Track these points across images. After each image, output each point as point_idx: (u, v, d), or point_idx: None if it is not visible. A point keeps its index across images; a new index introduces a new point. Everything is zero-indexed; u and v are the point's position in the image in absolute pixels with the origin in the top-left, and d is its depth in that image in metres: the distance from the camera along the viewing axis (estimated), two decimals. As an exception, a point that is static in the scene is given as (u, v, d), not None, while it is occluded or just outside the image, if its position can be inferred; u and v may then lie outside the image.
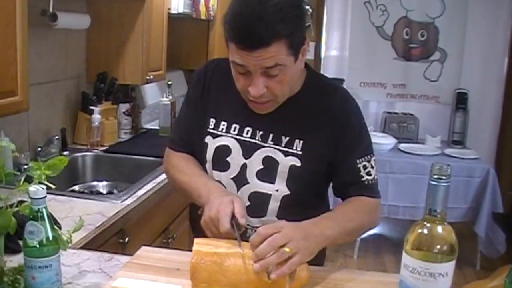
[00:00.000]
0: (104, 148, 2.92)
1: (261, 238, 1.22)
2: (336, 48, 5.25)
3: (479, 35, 4.94)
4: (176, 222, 2.72)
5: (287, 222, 1.30)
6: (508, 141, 5.09)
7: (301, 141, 1.48)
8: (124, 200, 2.09)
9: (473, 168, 4.09)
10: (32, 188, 1.15)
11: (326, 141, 1.49)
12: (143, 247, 1.49)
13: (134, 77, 3.09)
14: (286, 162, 1.48)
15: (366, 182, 1.51)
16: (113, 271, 1.38)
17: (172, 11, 3.40)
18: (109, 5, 2.99)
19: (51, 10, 2.37)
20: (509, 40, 4.94)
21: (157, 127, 3.62)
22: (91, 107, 2.88)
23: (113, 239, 1.97)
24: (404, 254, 0.95)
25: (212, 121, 1.55)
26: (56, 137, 2.60)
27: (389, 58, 5.07)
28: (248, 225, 1.48)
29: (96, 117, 2.87)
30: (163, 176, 2.34)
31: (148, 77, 3.10)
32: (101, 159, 2.81)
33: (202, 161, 1.58)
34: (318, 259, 1.43)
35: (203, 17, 3.85)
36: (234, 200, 1.36)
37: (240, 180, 1.51)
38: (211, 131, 1.55)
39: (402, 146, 4.43)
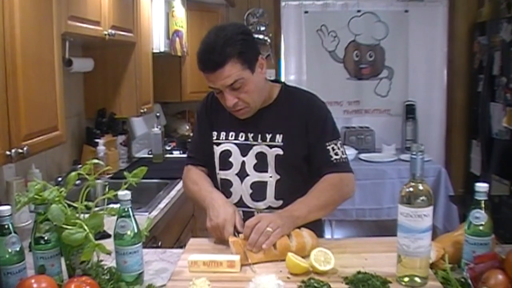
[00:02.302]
0: (110, 175, 3.29)
1: (249, 229, 1.68)
2: (295, 73, 5.66)
3: (420, 52, 5.49)
4: (189, 225, 3.13)
5: (265, 213, 1.78)
6: (454, 143, 5.54)
7: (281, 135, 1.91)
8: (151, 212, 2.49)
9: (426, 169, 4.44)
10: (121, 192, 1.53)
11: (301, 134, 1.91)
12: (192, 239, 1.90)
13: (130, 111, 3.48)
14: (272, 153, 1.91)
15: (334, 161, 1.91)
16: (171, 259, 1.74)
17: (155, 50, 3.83)
18: (104, 49, 3.37)
19: (67, 56, 2.75)
20: (446, 54, 5.46)
21: (147, 155, 4.00)
22: (96, 140, 3.26)
23: (148, 246, 2.35)
24: (399, 206, 1.41)
25: (214, 134, 2.00)
26: (79, 166, 2.96)
27: (342, 78, 5.58)
28: (254, 208, 1.93)
29: (101, 148, 3.24)
30: (174, 191, 2.78)
31: (142, 110, 3.50)
32: (111, 186, 3.17)
33: (212, 167, 2.00)
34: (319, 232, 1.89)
35: (179, 54, 4.29)
36: (236, 211, 1.81)
37: (242, 174, 1.94)
38: (215, 141, 1.99)
39: (362, 155, 4.80)
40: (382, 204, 4.47)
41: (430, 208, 1.40)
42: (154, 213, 2.52)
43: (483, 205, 1.46)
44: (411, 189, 1.41)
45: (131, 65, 3.41)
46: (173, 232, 2.89)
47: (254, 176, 1.93)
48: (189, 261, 1.60)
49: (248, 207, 1.94)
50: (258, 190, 1.93)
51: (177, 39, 4.23)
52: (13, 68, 1.88)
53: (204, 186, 1.96)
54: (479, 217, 1.46)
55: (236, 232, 1.75)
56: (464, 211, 4.45)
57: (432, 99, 5.57)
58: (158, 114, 3.97)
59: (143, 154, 4.09)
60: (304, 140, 1.91)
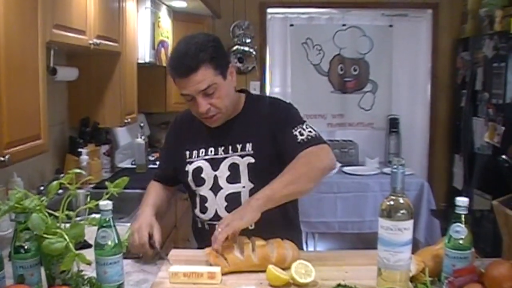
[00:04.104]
0: (92, 185, 3.27)
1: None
2: (279, 85, 5.68)
3: (404, 66, 5.55)
4: (171, 236, 3.12)
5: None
6: (437, 157, 5.59)
7: (251, 143, 1.92)
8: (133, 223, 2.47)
9: (409, 183, 4.54)
10: (102, 202, 1.53)
11: (268, 135, 1.91)
12: (173, 250, 1.89)
13: (114, 121, 3.48)
14: (244, 162, 1.92)
15: (301, 141, 1.85)
16: (152, 270, 1.74)
17: (140, 61, 3.83)
18: (88, 58, 3.37)
19: (51, 64, 2.74)
20: (430, 68, 5.53)
21: (130, 166, 3.99)
22: (79, 149, 3.24)
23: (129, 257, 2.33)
24: (380, 219, 1.41)
25: (187, 153, 2.01)
26: (62, 175, 2.94)
27: (327, 91, 5.62)
28: None
29: (84, 158, 3.23)
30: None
31: (126, 120, 3.49)
32: (93, 195, 3.15)
33: (187, 185, 2.03)
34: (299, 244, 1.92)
35: (164, 64, 4.29)
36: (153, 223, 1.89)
37: (215, 188, 1.94)
38: (188, 160, 2.01)
39: (346, 168, 4.80)
40: (365, 217, 4.49)
41: (411, 222, 1.41)
42: (136, 223, 2.49)
43: (463, 219, 1.48)
44: (391, 202, 1.42)
45: (116, 75, 3.41)
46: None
47: (227, 189, 1.93)
48: (170, 272, 1.60)
49: None
50: (233, 202, 1.91)
51: (163, 49, 4.24)
52: (-4, 76, 1.86)
53: (144, 201, 2.04)
54: (459, 231, 1.47)
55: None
56: (446, 225, 4.50)
57: (416, 113, 5.63)
58: (142, 124, 3.97)
59: (126, 164, 4.07)
60: (273, 142, 1.91)
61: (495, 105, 4.37)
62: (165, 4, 4.32)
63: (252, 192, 1.88)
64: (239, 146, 1.94)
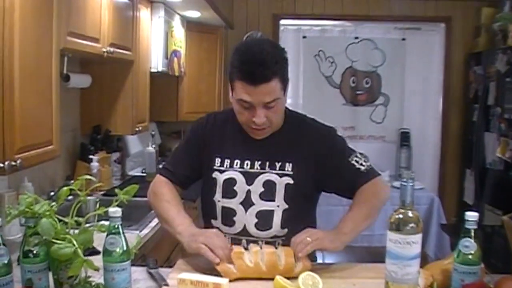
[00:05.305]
0: (102, 192, 3.28)
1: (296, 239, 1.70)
2: (291, 96, 5.61)
3: (416, 79, 5.56)
4: (180, 245, 3.11)
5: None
6: (448, 172, 5.57)
7: (291, 164, 1.88)
8: (142, 230, 2.48)
9: (419, 197, 4.54)
10: (112, 209, 1.53)
11: (310, 159, 1.89)
12: (180, 260, 1.87)
13: (125, 129, 3.49)
14: (282, 182, 1.87)
15: (364, 171, 1.90)
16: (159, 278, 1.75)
17: (153, 70, 3.85)
18: (101, 66, 3.38)
19: (65, 71, 2.76)
20: (442, 82, 5.53)
21: (140, 174, 4.00)
22: (90, 156, 3.26)
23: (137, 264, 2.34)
24: (388, 232, 1.41)
25: (217, 160, 1.93)
26: (72, 181, 2.95)
27: (338, 104, 5.64)
28: (258, 238, 1.88)
29: (95, 165, 3.24)
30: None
31: (137, 128, 3.51)
32: (103, 202, 3.17)
33: (211, 193, 1.94)
34: (311, 256, 1.87)
35: (176, 74, 4.32)
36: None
37: (247, 203, 1.88)
38: (218, 168, 1.92)
39: None
40: (374, 231, 4.44)
41: (419, 235, 1.41)
42: (145, 231, 2.51)
43: (472, 234, 1.47)
44: (400, 215, 1.41)
45: (129, 83, 3.42)
46: (163, 251, 2.87)
47: (259, 205, 1.87)
48: (178, 279, 1.60)
49: (252, 236, 1.88)
50: (264, 220, 1.88)
51: (175, 59, 4.26)
52: (10, 81, 1.88)
53: (176, 209, 1.92)
54: (469, 246, 1.46)
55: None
56: (456, 240, 4.48)
57: (427, 127, 5.62)
58: (153, 133, 3.99)
59: (136, 172, 4.09)
60: (314, 167, 1.89)
61: (507, 120, 4.35)
62: (178, 14, 4.35)
63: (285, 213, 1.87)
64: (277, 164, 1.88)
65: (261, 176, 1.89)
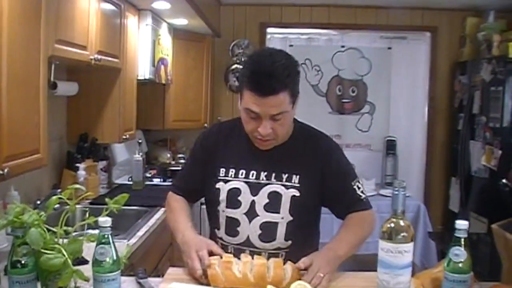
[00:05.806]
0: (89, 201, 3.25)
1: (303, 265, 1.69)
2: None
3: (402, 88, 5.55)
4: (167, 254, 3.11)
5: (315, 253, 1.76)
6: (434, 180, 5.58)
7: (298, 176, 1.87)
8: (130, 239, 2.46)
9: (406, 205, 4.58)
10: (102, 218, 1.52)
11: (317, 173, 1.89)
12: (170, 268, 1.86)
13: (112, 137, 3.47)
14: (288, 194, 1.86)
15: (364, 200, 1.94)
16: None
17: (140, 77, 3.84)
18: (89, 74, 3.36)
19: (52, 79, 2.73)
20: (428, 91, 5.53)
21: (127, 182, 3.98)
22: (76, 164, 3.23)
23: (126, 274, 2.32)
24: (380, 241, 1.42)
25: (222, 170, 1.93)
26: (59, 190, 2.93)
27: (324, 112, 5.62)
28: (261, 249, 1.88)
29: (81, 173, 3.22)
30: (153, 219, 2.77)
31: (124, 137, 3.49)
32: (91, 211, 3.14)
33: (215, 203, 1.94)
34: None
35: (163, 82, 4.31)
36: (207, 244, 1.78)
37: (251, 214, 1.87)
38: (223, 178, 1.92)
39: None
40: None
41: (411, 244, 1.41)
42: (133, 240, 2.49)
43: (463, 243, 1.47)
44: (392, 224, 1.42)
45: (116, 91, 3.41)
46: (151, 260, 2.86)
47: (264, 217, 1.87)
48: None
49: (255, 247, 1.88)
50: (268, 231, 1.87)
51: (162, 67, 4.25)
52: (-3, 89, 1.86)
53: (179, 218, 1.95)
54: (459, 254, 1.47)
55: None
56: (442, 248, 4.49)
57: (413, 136, 5.62)
58: (140, 141, 3.97)
59: (123, 180, 4.06)
60: (321, 181, 1.89)
61: (492, 128, 4.39)
62: (166, 22, 4.34)
63: (290, 225, 1.86)
64: (284, 176, 1.88)
65: (266, 187, 1.88)
